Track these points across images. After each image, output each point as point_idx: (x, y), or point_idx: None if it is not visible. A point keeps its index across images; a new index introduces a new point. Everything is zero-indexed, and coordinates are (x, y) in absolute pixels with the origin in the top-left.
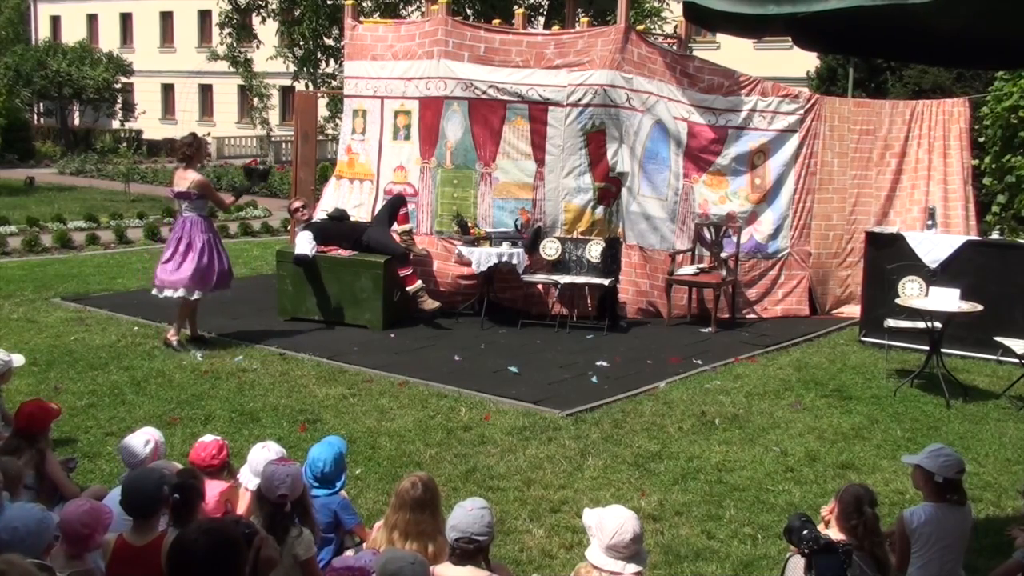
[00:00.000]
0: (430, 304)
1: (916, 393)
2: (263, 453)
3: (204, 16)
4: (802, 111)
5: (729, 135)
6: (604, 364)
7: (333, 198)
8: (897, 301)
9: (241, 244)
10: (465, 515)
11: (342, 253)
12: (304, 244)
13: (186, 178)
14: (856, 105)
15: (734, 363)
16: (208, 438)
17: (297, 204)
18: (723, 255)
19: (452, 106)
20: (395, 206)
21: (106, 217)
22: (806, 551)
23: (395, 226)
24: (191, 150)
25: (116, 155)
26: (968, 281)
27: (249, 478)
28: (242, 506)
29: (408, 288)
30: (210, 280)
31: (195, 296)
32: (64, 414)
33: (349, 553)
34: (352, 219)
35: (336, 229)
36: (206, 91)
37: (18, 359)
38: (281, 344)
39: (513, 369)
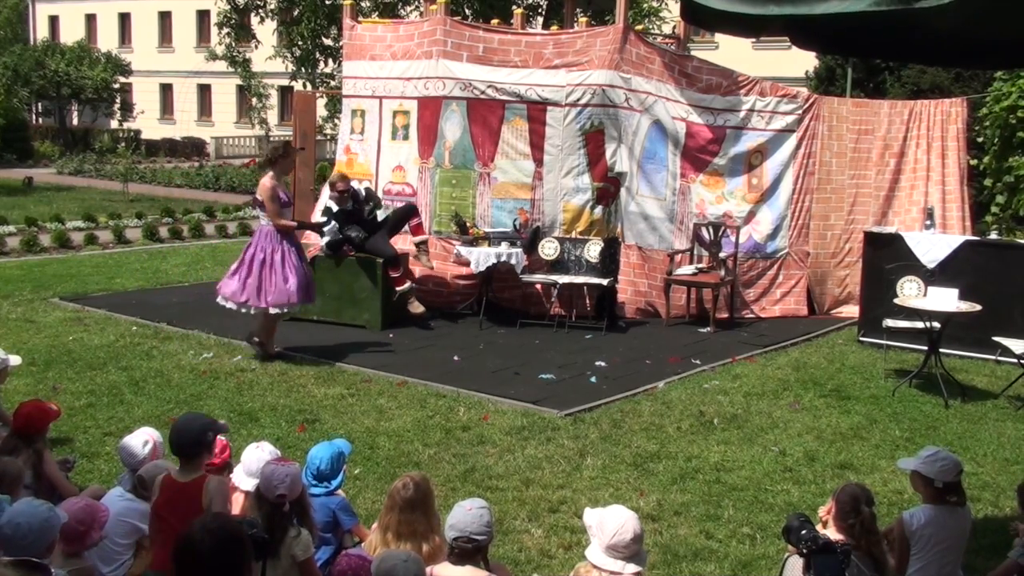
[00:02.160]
0: (417, 308)
1: (915, 393)
2: (257, 453)
3: (203, 16)
4: (800, 111)
5: (727, 135)
6: (603, 364)
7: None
8: (896, 301)
9: (240, 244)
10: (464, 515)
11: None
12: (329, 235)
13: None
14: (854, 105)
15: (732, 363)
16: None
17: (336, 177)
18: (721, 255)
19: (451, 106)
20: (405, 216)
21: (104, 217)
22: (804, 551)
23: (411, 237)
24: (275, 155)
25: (114, 155)
26: (967, 281)
27: (243, 479)
28: (235, 507)
29: (397, 289)
30: (263, 294)
31: (245, 311)
32: (63, 414)
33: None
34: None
35: (351, 222)
36: (204, 91)
37: (14, 359)
38: (280, 344)
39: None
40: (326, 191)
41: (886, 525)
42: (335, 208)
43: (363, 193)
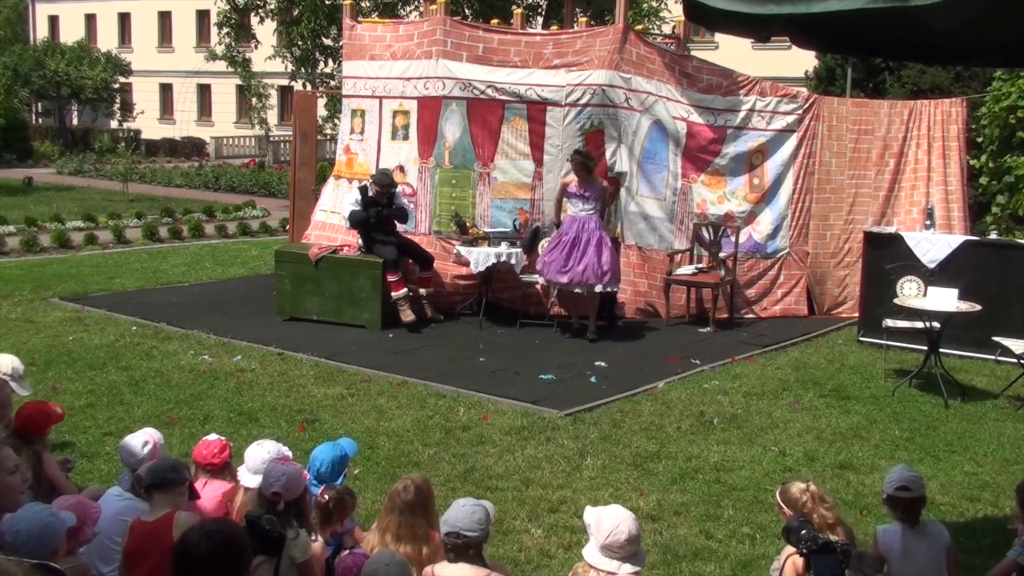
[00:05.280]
0: (408, 315)
1: (914, 393)
2: (259, 451)
3: (202, 16)
4: (800, 111)
5: (728, 135)
6: (602, 364)
7: (332, 198)
8: (895, 301)
9: (239, 244)
10: (457, 511)
11: (348, 252)
12: (352, 205)
13: (592, 182)
14: (854, 105)
15: (732, 363)
16: (212, 437)
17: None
18: (721, 255)
19: (450, 106)
20: (419, 257)
21: (104, 217)
22: (804, 551)
23: (420, 289)
24: (595, 160)
25: (114, 155)
26: (966, 281)
27: (247, 477)
28: (233, 509)
29: (393, 294)
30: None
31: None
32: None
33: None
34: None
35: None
36: (204, 91)
37: (15, 369)
38: (280, 344)
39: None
40: (328, 188)
41: (883, 526)
42: (370, 193)
43: (399, 204)
